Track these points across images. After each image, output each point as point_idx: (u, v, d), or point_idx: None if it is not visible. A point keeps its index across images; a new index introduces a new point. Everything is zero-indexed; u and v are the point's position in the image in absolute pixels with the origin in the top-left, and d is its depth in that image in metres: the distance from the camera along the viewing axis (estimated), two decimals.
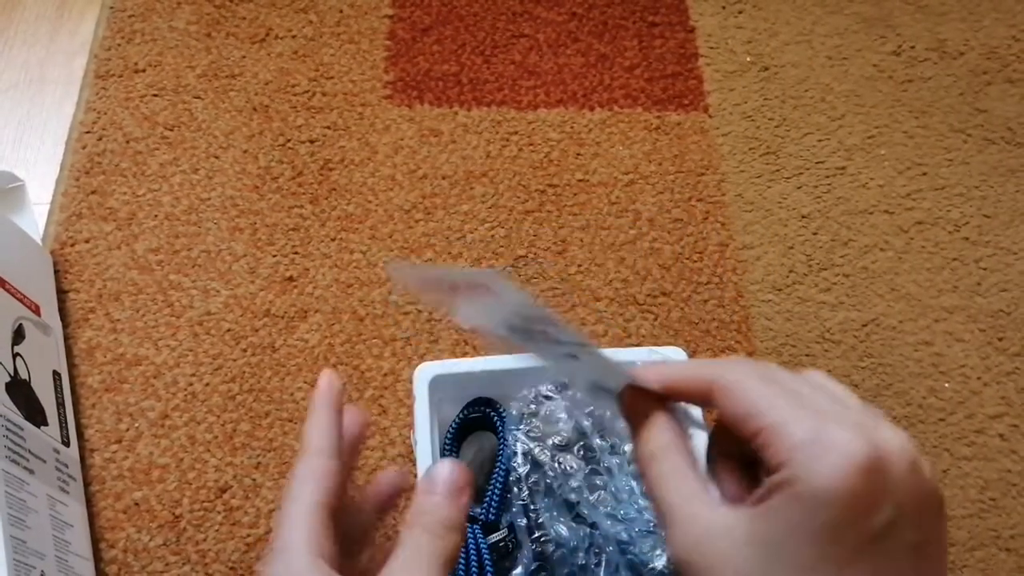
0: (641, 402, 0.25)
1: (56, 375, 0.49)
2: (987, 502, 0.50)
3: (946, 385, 0.53)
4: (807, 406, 0.22)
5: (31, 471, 0.42)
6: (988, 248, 0.59)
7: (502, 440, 0.41)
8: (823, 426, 0.21)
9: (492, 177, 0.60)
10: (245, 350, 0.52)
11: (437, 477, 0.27)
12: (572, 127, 0.63)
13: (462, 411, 0.42)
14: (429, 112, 0.63)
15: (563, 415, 0.42)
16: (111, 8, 0.66)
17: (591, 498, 0.40)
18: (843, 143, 0.63)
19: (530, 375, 0.42)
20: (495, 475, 0.39)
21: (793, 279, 0.57)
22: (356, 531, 0.29)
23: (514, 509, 0.39)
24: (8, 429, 0.42)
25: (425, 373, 0.41)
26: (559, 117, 0.63)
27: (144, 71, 0.63)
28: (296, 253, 0.56)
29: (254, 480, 0.48)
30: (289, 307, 0.54)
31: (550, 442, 0.41)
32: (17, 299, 0.48)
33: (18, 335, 0.47)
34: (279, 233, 0.57)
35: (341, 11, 0.67)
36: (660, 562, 0.38)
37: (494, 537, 0.38)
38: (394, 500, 0.30)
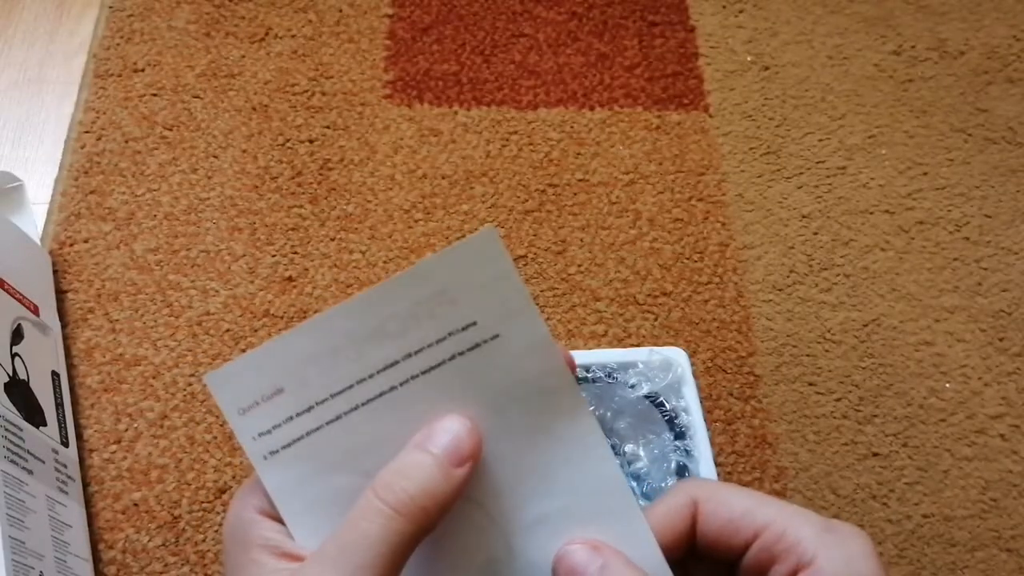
0: None
1: (55, 375, 0.49)
2: (988, 503, 0.50)
3: (947, 385, 0.53)
4: (775, 501, 0.23)
5: (30, 471, 0.42)
6: (989, 248, 0.59)
7: None
8: (817, 516, 0.22)
9: (492, 177, 0.60)
10: (244, 350, 0.52)
11: (438, 432, 0.22)
12: (572, 127, 0.63)
13: None
14: (429, 111, 0.63)
15: None
16: (110, 8, 0.66)
17: None
18: (844, 143, 0.63)
19: None
20: None
21: (794, 279, 0.57)
22: None
23: None
24: (7, 430, 0.42)
25: None
26: (559, 117, 0.63)
27: (143, 71, 0.63)
28: (295, 253, 0.56)
29: None
30: (288, 307, 0.54)
31: None
32: (16, 299, 0.48)
33: (17, 335, 0.46)
34: (278, 233, 0.57)
35: (340, 10, 0.67)
36: None
37: None
38: None
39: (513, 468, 0.24)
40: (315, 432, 0.23)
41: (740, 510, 0.23)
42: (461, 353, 0.23)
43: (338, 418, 0.23)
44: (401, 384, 0.23)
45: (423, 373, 0.23)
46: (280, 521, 0.23)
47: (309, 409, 0.23)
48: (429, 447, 0.22)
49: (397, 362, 0.23)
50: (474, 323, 0.23)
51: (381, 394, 0.23)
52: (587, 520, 0.24)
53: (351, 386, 0.23)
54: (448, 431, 0.22)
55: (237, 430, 0.23)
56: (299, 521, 0.23)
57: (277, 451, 0.23)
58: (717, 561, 0.24)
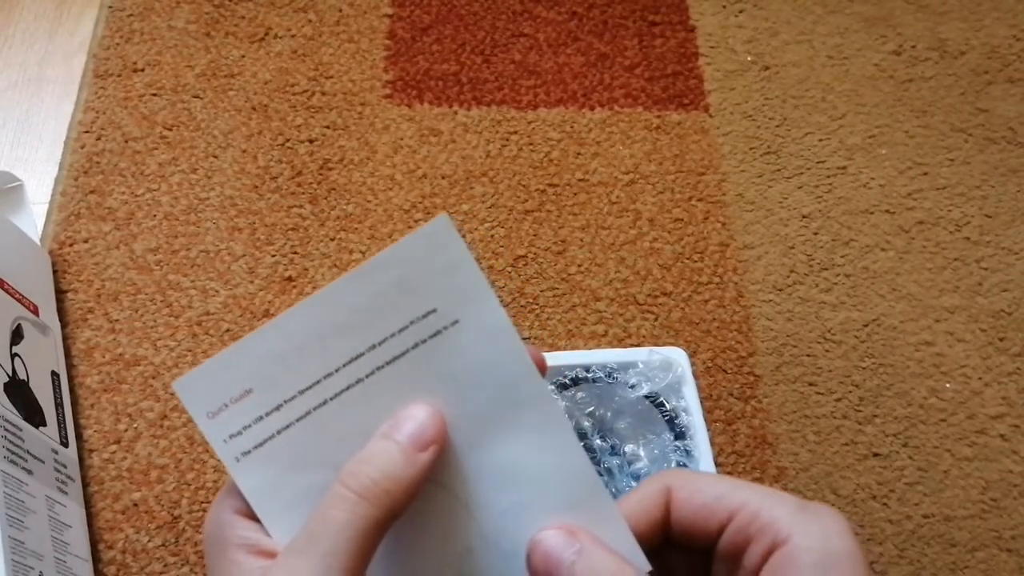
0: None
1: (55, 375, 0.49)
2: (988, 503, 0.50)
3: (947, 385, 0.53)
4: (749, 484, 0.23)
5: (30, 472, 0.42)
6: (989, 248, 0.59)
7: None
8: (792, 497, 0.22)
9: (492, 177, 0.60)
10: None
11: (402, 421, 0.23)
12: (572, 127, 0.63)
13: None
14: (429, 111, 0.63)
15: None
16: (110, 7, 0.66)
17: None
18: (844, 143, 0.63)
19: None
20: None
21: (794, 279, 0.57)
22: None
23: None
24: (6, 430, 0.42)
25: None
26: (559, 117, 0.63)
27: (143, 70, 0.63)
28: (295, 253, 0.56)
29: None
30: (288, 307, 0.54)
31: None
32: (15, 299, 0.48)
33: (16, 335, 0.46)
34: (278, 233, 0.57)
35: (340, 10, 0.67)
36: None
37: None
38: None
39: (482, 455, 0.24)
40: (285, 430, 0.23)
41: (714, 494, 0.23)
42: (423, 341, 0.23)
43: (307, 414, 0.23)
44: (367, 376, 0.23)
45: (388, 364, 0.23)
46: (257, 520, 0.24)
47: (278, 408, 0.23)
48: (393, 435, 0.22)
49: (362, 354, 0.23)
50: (434, 310, 0.23)
51: (348, 387, 0.23)
52: (558, 508, 0.24)
53: (318, 381, 0.23)
54: (411, 418, 0.23)
55: (207, 434, 0.23)
56: (275, 519, 0.23)
57: (249, 452, 0.23)
58: (693, 549, 0.24)
